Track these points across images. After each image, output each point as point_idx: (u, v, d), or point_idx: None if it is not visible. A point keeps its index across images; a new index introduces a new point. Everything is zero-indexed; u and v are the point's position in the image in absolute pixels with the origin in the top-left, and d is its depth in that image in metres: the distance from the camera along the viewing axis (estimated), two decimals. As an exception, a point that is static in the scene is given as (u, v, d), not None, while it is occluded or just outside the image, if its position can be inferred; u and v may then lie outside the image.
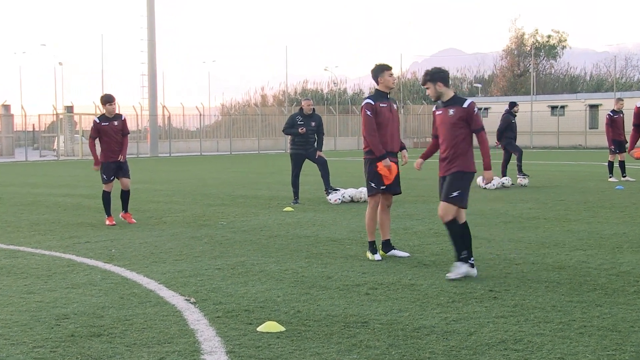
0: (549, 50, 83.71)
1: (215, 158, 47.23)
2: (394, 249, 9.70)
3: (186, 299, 7.27)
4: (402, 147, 9.95)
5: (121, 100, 64.28)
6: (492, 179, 8.31)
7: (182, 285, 7.92)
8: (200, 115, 58.57)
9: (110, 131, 13.43)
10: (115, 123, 13.50)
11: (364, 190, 16.33)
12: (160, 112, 56.32)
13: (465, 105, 8.35)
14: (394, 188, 9.67)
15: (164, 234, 11.97)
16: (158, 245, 10.72)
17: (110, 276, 8.52)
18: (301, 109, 16.71)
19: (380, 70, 9.59)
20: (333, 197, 16.23)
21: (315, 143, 16.79)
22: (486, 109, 63.87)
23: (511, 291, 7.44)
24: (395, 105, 9.73)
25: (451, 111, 8.36)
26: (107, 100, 13.44)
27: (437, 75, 8.48)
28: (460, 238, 8.28)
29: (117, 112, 13.61)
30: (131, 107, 55.96)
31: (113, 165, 13.43)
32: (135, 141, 53.21)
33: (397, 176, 9.62)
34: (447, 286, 7.69)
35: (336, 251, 10.04)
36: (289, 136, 16.92)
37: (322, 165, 16.82)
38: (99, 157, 13.40)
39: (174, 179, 25.52)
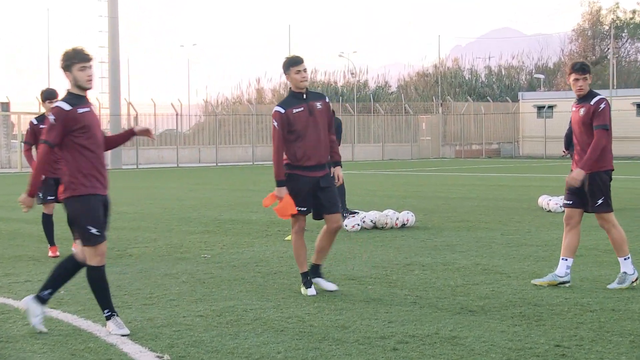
0: (634, 30, 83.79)
1: (196, 171, 47.35)
2: (321, 277, 10.14)
3: (158, 357, 7.27)
4: (337, 162, 10.23)
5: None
6: None
7: (153, 338, 7.92)
8: (177, 115, 58.74)
9: None
10: None
11: (390, 214, 16.34)
12: (124, 110, 56.48)
13: None
14: (328, 208, 10.03)
15: (129, 270, 11.99)
16: (121, 285, 10.73)
17: (59, 326, 8.53)
18: None
19: (285, 67, 9.92)
20: (350, 223, 16.22)
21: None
22: (550, 107, 63.87)
23: (585, 346, 7.42)
24: (320, 104, 9.97)
25: None
26: (50, 96, 13.36)
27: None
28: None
29: None
30: (87, 103, 55.92)
31: (52, 182, 13.40)
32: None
33: (333, 192, 9.98)
34: (500, 340, 7.67)
35: (354, 293, 10.05)
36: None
37: (337, 181, 16.79)
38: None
39: (143, 199, 25.58)
